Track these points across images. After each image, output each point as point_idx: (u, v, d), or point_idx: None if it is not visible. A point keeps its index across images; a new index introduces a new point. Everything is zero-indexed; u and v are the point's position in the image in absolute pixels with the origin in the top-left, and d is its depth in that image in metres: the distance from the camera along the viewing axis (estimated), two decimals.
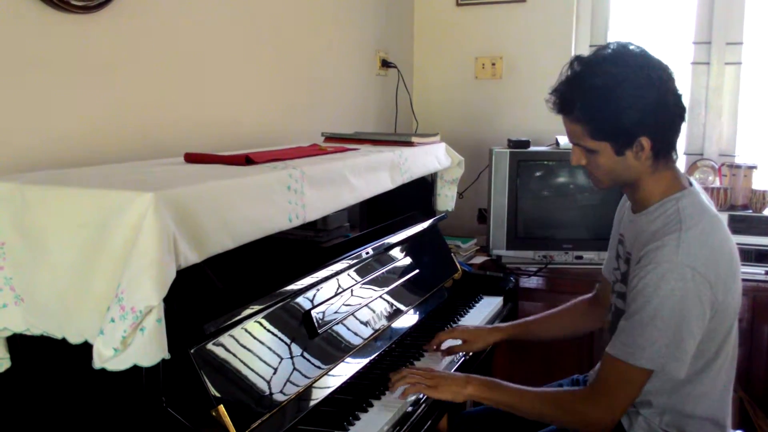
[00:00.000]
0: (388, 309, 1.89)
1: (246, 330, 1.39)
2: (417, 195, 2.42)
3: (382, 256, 2.01)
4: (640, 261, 1.46)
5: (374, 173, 1.85)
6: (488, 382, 1.59)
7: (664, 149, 1.49)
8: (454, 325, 2.00)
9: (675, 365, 1.42)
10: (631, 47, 1.48)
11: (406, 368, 1.64)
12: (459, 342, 1.89)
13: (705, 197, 1.55)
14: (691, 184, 1.56)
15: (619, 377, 1.45)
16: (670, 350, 1.41)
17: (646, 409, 1.55)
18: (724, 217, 2.74)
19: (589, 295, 1.96)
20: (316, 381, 1.48)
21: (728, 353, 1.55)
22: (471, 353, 1.92)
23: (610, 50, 1.48)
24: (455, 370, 1.81)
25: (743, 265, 2.67)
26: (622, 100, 1.42)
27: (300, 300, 1.58)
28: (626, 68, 1.43)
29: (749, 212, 2.80)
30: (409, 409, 1.54)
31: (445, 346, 1.87)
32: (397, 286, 1.99)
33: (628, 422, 1.58)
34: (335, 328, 1.64)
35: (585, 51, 3.24)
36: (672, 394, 1.52)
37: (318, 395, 1.47)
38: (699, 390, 1.52)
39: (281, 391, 1.38)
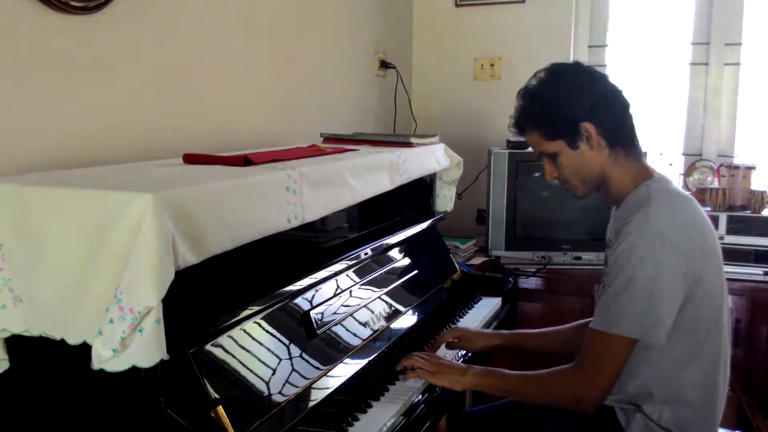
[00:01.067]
0: (387, 310, 1.90)
1: (245, 331, 1.39)
2: (416, 196, 2.42)
3: (381, 256, 2.02)
4: (617, 240, 1.54)
5: (373, 174, 1.85)
6: (486, 370, 1.65)
7: (616, 136, 1.58)
8: (454, 326, 2.01)
9: (653, 332, 1.46)
10: (563, 63, 1.66)
11: (416, 353, 1.70)
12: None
13: (675, 185, 1.63)
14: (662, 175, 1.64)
15: (602, 350, 1.50)
16: (646, 316, 1.46)
17: (647, 404, 1.56)
18: (722, 217, 2.75)
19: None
20: (315, 382, 1.48)
21: (721, 337, 1.57)
22: (470, 353, 1.93)
23: (543, 69, 1.64)
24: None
25: (742, 265, 2.71)
26: (557, 97, 1.58)
27: (299, 301, 1.58)
28: (557, 74, 1.61)
29: (748, 213, 2.80)
30: (414, 399, 1.55)
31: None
32: (395, 287, 1.99)
33: (625, 420, 1.58)
34: (334, 328, 1.64)
35: (584, 52, 3.27)
36: (670, 381, 1.54)
37: (317, 396, 1.47)
38: (696, 374, 1.55)
39: (280, 392, 1.38)
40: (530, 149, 2.84)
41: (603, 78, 1.62)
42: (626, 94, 1.61)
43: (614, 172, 1.60)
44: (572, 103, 1.57)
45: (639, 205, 1.53)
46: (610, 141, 1.58)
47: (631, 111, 1.62)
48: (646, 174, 1.61)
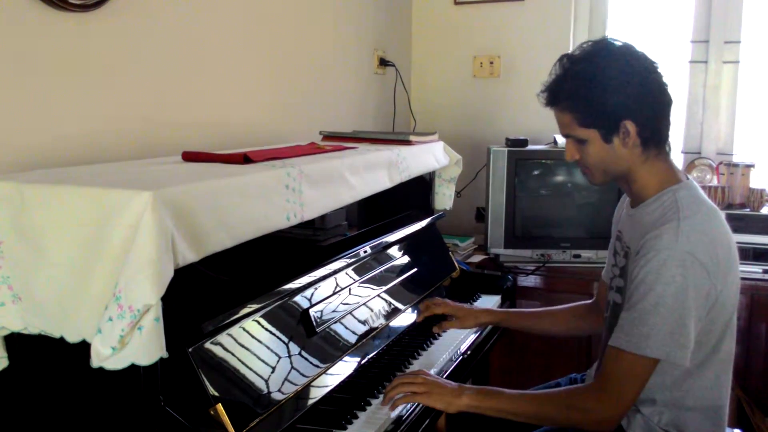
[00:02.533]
0: (386, 308, 1.89)
1: (244, 329, 1.39)
2: (415, 194, 2.42)
3: (380, 254, 2.02)
4: (640, 251, 1.46)
5: (372, 172, 1.85)
6: (483, 391, 1.55)
7: (653, 137, 1.52)
8: (443, 300, 2.02)
9: (680, 353, 1.42)
10: (615, 41, 1.54)
11: (398, 377, 1.58)
12: (451, 319, 1.95)
13: (701, 191, 1.57)
14: (688, 179, 1.58)
15: (626, 369, 1.45)
16: (675, 337, 1.41)
17: (647, 408, 1.54)
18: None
19: (589, 301, 1.96)
20: (314, 380, 1.48)
21: (728, 346, 1.55)
22: (468, 352, 1.93)
23: (593, 43, 1.55)
24: (453, 369, 1.81)
25: (740, 263, 2.69)
26: (605, 85, 1.47)
27: (298, 299, 1.58)
28: (609, 57, 1.50)
29: (747, 211, 2.81)
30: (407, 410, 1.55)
31: (437, 327, 1.94)
32: (395, 285, 1.99)
33: (626, 422, 1.57)
34: (333, 326, 1.64)
35: None
36: (674, 389, 1.52)
37: (316, 394, 1.47)
38: (701, 383, 1.52)
39: (279, 390, 1.38)
40: (530, 147, 2.90)
41: (654, 69, 1.51)
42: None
43: (641, 171, 1.54)
44: (620, 95, 1.47)
45: (666, 214, 1.48)
46: (645, 142, 1.51)
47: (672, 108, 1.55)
48: (673, 178, 1.55)
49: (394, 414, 1.49)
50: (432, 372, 1.66)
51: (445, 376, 1.73)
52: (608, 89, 1.47)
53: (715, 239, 1.46)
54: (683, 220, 1.44)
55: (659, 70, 1.52)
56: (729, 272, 1.48)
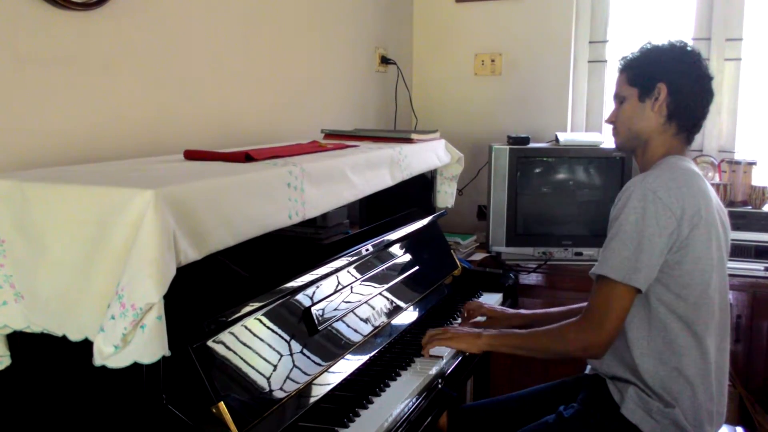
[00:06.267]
0: (388, 306, 1.90)
1: (246, 327, 1.39)
2: (416, 192, 2.42)
3: (382, 253, 2.02)
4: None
5: (374, 170, 1.85)
6: (499, 331, 1.81)
7: (678, 112, 1.68)
8: (487, 307, 2.10)
9: (634, 276, 1.56)
10: (691, 45, 1.75)
11: (429, 331, 1.82)
12: (484, 319, 2.05)
13: (694, 164, 1.73)
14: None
15: (602, 297, 1.60)
16: (631, 262, 1.56)
17: (638, 366, 1.61)
18: None
19: None
20: (316, 378, 1.49)
21: (712, 308, 1.63)
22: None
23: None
24: (455, 366, 1.82)
25: (742, 261, 2.71)
26: (657, 55, 1.72)
27: (300, 297, 1.58)
28: (676, 45, 1.73)
29: (749, 208, 2.80)
30: (416, 395, 1.56)
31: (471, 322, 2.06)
32: (396, 283, 1.99)
33: (619, 396, 1.65)
34: (335, 325, 1.64)
35: (584, 48, 3.26)
36: (659, 339, 1.61)
37: (318, 392, 1.47)
38: (684, 342, 1.61)
39: (281, 388, 1.38)
40: (532, 145, 2.91)
41: (703, 64, 1.71)
42: (715, 99, 1.72)
43: (656, 140, 1.72)
44: (665, 64, 1.70)
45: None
46: (671, 113, 1.69)
47: (709, 110, 1.72)
48: (679, 152, 1.72)
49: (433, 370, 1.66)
50: (434, 370, 1.70)
51: (447, 375, 1.74)
52: (657, 57, 1.72)
53: (683, 189, 1.59)
54: (656, 170, 1.63)
55: (712, 83, 1.71)
56: (699, 224, 1.58)
